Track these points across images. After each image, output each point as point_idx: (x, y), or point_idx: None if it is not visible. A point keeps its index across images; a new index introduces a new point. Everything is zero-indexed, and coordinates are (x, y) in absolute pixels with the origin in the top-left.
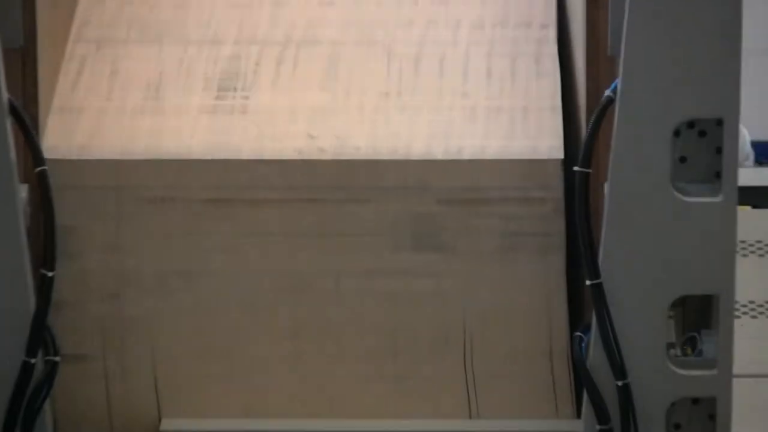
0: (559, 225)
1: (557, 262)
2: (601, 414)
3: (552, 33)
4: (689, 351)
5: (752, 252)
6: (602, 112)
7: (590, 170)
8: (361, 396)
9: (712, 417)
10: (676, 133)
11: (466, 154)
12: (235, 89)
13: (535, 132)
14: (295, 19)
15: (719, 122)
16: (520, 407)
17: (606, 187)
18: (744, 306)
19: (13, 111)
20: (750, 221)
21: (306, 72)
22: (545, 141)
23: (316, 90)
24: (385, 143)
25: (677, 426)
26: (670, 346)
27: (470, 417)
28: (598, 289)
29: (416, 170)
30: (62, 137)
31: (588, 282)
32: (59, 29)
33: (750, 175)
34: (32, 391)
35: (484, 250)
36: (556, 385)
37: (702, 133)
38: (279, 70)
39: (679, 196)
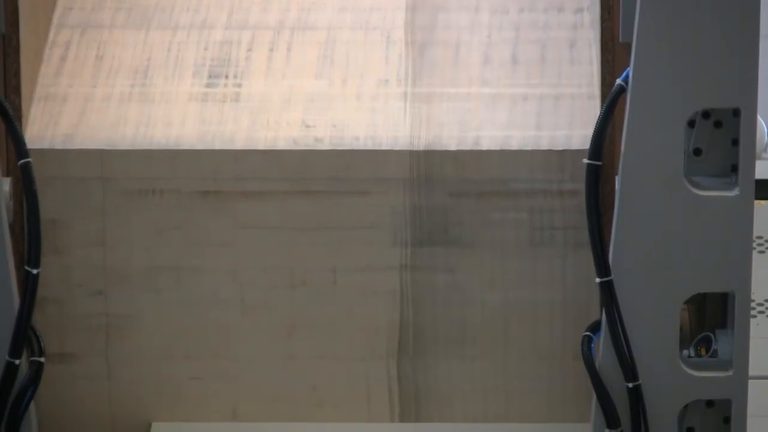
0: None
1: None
2: (610, 417)
3: (587, 17)
4: (703, 351)
5: None
6: (613, 101)
7: (600, 162)
8: (360, 399)
9: (726, 420)
10: (691, 123)
11: (485, 145)
12: (226, 76)
13: (568, 121)
14: (288, 3)
15: (736, 112)
16: (531, 412)
17: (617, 180)
18: (760, 305)
19: None
20: (767, 216)
21: (300, 58)
22: (579, 131)
23: (311, 77)
24: (386, 132)
25: (690, 429)
26: (684, 346)
27: (476, 422)
28: (608, 286)
29: (424, 161)
30: (45, 126)
31: (597, 279)
32: (41, 15)
33: None
34: (17, 393)
35: (503, 244)
36: (580, 388)
37: (718, 124)
38: (272, 57)
39: (693, 190)
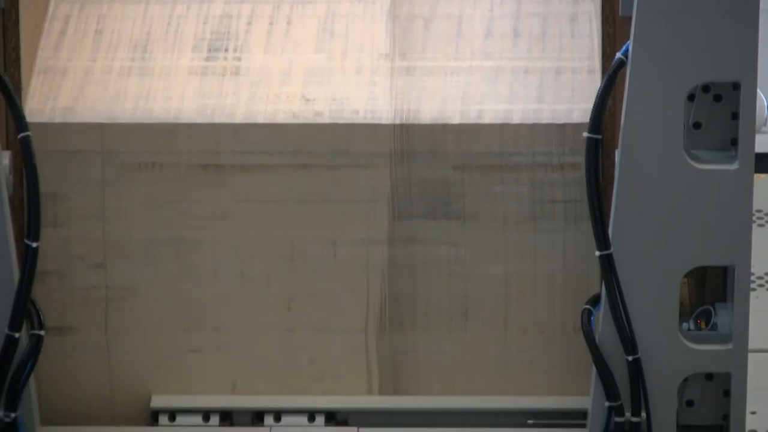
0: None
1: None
2: (610, 390)
3: None
4: (703, 325)
5: None
6: (612, 75)
7: (600, 136)
8: (359, 372)
9: (726, 393)
10: (690, 97)
11: (487, 118)
12: (226, 50)
13: (568, 95)
14: None
15: (736, 86)
16: (531, 385)
17: (617, 153)
18: (760, 278)
19: None
20: (767, 190)
21: (300, 32)
22: (580, 104)
23: (311, 50)
24: (387, 106)
25: (690, 403)
26: (683, 319)
27: (476, 394)
28: (607, 260)
29: (427, 135)
30: (45, 100)
31: (597, 253)
32: None
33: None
34: (17, 366)
35: (505, 217)
36: (580, 361)
37: (717, 98)
38: (272, 30)
39: (693, 163)
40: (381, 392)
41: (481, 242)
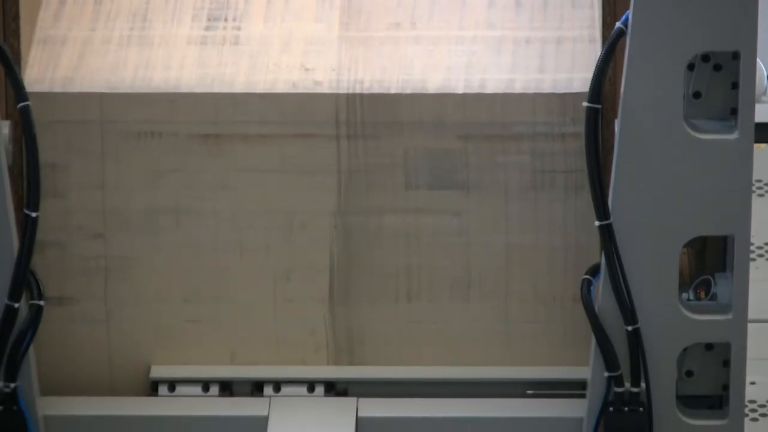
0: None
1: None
2: (610, 360)
3: None
4: (702, 295)
5: None
6: (612, 45)
7: (599, 105)
8: (358, 342)
9: (726, 363)
10: (690, 66)
11: (490, 88)
12: (225, 19)
13: (569, 64)
14: None
15: (735, 55)
16: (531, 355)
17: (616, 123)
18: (759, 248)
19: None
20: (766, 160)
21: (300, 1)
22: (580, 74)
23: (311, 19)
24: (391, 76)
25: (689, 373)
26: (683, 289)
27: (476, 365)
28: (607, 230)
29: (432, 104)
30: (45, 69)
31: (597, 223)
32: None
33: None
34: (16, 336)
35: (507, 187)
36: (580, 331)
37: (717, 67)
38: None
39: (693, 133)
40: (384, 362)
41: (483, 212)
